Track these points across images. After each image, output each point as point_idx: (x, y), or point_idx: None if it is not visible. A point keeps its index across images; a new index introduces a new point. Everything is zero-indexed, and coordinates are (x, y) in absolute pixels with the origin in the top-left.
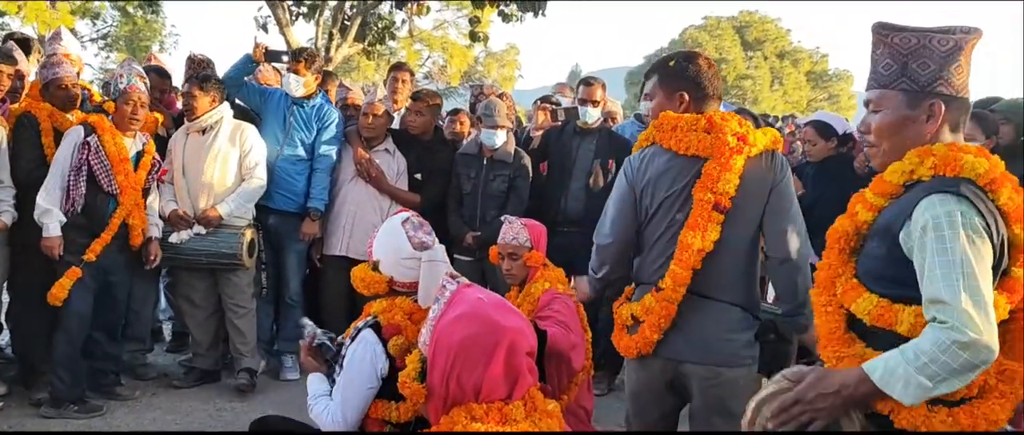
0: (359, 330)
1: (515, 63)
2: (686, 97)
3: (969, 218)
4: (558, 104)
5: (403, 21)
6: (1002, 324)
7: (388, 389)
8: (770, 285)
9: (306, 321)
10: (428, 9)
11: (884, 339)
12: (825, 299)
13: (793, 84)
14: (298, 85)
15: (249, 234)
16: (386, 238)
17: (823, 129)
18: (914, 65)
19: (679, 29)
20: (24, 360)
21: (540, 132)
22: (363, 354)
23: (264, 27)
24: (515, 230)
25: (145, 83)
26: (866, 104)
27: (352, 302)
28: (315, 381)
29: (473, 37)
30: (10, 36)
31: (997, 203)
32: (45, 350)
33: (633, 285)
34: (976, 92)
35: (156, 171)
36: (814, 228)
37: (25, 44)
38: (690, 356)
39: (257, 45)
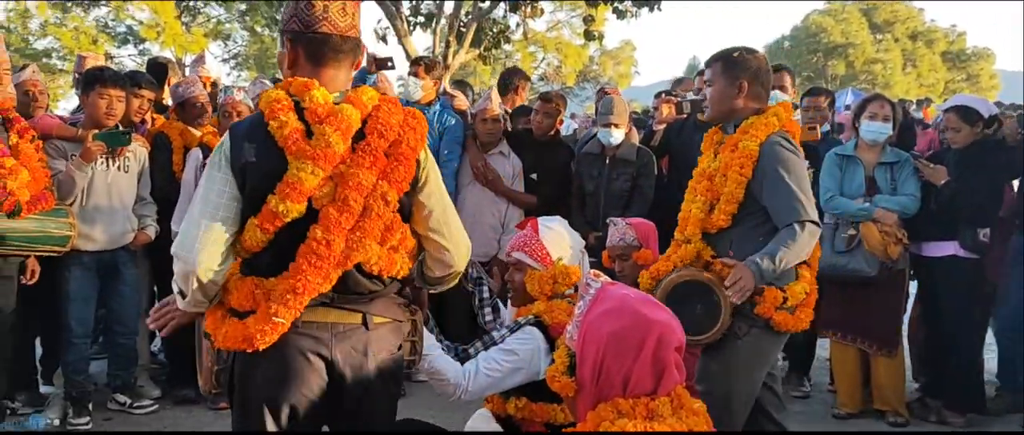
0: (520, 325)
1: (631, 60)
2: (745, 85)
3: (220, 149)
4: (683, 97)
5: (517, 24)
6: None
7: (551, 391)
8: None
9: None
10: (541, 11)
11: None
12: None
13: (928, 66)
14: (417, 88)
15: None
16: (561, 237)
17: (967, 114)
18: (285, 7)
19: (801, 15)
20: (174, 363)
21: (662, 126)
22: (528, 342)
23: (384, 38)
24: (621, 231)
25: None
26: None
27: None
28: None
29: (588, 36)
30: (152, 61)
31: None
32: (190, 353)
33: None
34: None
35: None
36: (957, 216)
37: (163, 69)
38: None
39: (369, 56)
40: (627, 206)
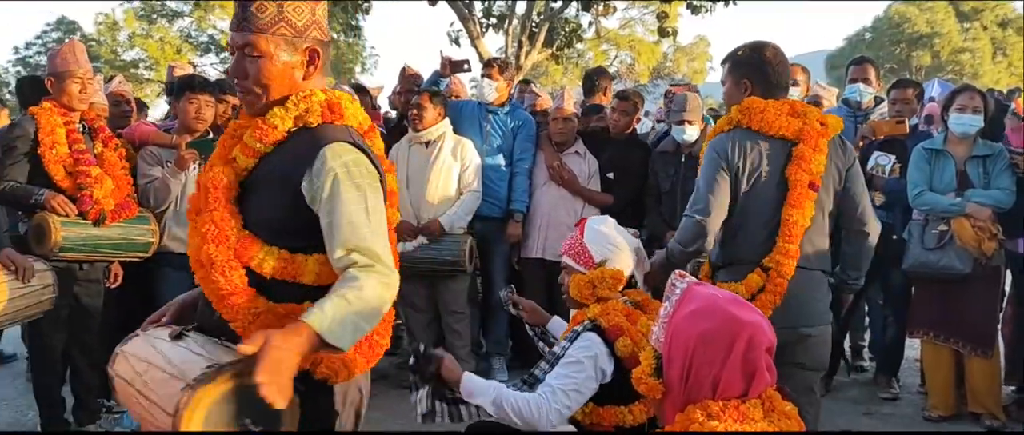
0: (577, 333)
1: (705, 55)
2: (748, 84)
3: (366, 165)
4: None
5: (590, 23)
6: None
7: (617, 393)
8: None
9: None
10: (614, 8)
11: (287, 291)
12: (226, 255)
13: (1019, 54)
14: (491, 90)
15: (469, 241)
16: (607, 239)
17: None
18: (290, 9)
19: (883, 6)
20: None
21: None
22: (589, 349)
23: (456, 41)
24: None
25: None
26: (242, 49)
27: (551, 303)
28: (477, 380)
29: (661, 32)
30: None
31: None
32: None
33: (709, 266)
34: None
35: None
36: None
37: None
38: (799, 322)
39: (443, 59)
40: None
